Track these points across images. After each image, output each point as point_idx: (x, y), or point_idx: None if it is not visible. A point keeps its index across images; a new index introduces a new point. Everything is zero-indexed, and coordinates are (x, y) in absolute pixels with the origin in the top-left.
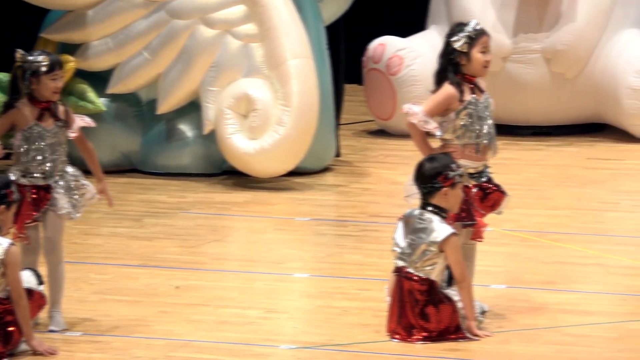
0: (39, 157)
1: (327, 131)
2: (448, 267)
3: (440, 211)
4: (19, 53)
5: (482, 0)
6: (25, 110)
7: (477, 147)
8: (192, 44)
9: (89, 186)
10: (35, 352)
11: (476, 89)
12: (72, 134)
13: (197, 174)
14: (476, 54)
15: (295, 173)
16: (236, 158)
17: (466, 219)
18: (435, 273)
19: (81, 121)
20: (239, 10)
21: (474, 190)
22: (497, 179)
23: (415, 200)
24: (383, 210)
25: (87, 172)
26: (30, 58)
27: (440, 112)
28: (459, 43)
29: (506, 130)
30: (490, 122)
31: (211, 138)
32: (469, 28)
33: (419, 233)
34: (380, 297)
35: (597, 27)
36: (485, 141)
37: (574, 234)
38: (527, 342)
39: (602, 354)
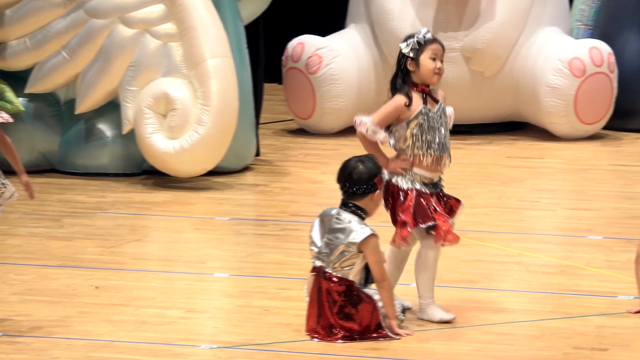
0: None
1: (246, 130)
2: (366, 267)
3: (361, 212)
4: None
5: None
6: None
7: (428, 158)
8: (111, 44)
9: (8, 185)
10: None
11: (429, 98)
12: None
13: (117, 174)
14: (425, 59)
15: (215, 172)
16: (156, 158)
17: (427, 219)
18: (353, 273)
19: None
20: (157, 9)
21: (432, 197)
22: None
23: None
24: (303, 209)
25: (8, 172)
26: None
27: (391, 122)
28: (407, 48)
29: None
30: (443, 132)
31: (130, 138)
32: (419, 35)
33: (337, 233)
34: (300, 297)
35: (515, 26)
36: (436, 152)
37: (494, 233)
38: (448, 340)
39: (523, 352)
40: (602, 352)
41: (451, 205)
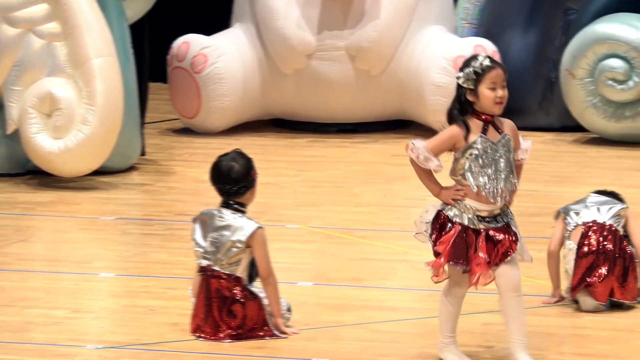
0: None
1: (132, 130)
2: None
3: (242, 207)
4: None
5: None
6: None
7: (482, 190)
8: None
9: None
10: None
11: (491, 127)
12: None
13: (1, 174)
14: (484, 90)
15: (100, 172)
16: (40, 158)
17: (460, 261)
18: (241, 269)
19: None
20: (41, 8)
21: (480, 235)
22: (304, 175)
23: (424, 239)
24: (189, 208)
25: None
26: None
27: (446, 150)
28: (462, 80)
29: (311, 127)
30: (502, 165)
31: (15, 138)
32: (476, 63)
33: (222, 231)
34: (186, 296)
35: (400, 24)
36: (491, 185)
37: (380, 231)
38: (334, 339)
39: (408, 350)
40: (487, 350)
41: (506, 249)
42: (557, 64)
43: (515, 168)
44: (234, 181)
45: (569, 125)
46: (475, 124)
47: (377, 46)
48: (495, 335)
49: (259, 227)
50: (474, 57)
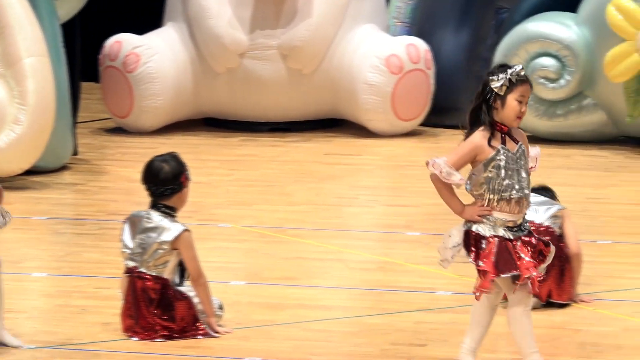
0: None
1: (64, 129)
2: (180, 264)
3: (171, 211)
4: None
5: None
6: None
7: (509, 202)
8: None
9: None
10: None
11: (508, 138)
12: None
13: None
14: (511, 100)
15: (32, 172)
16: None
17: (511, 269)
18: (168, 271)
19: None
20: None
21: (518, 243)
22: (236, 175)
23: (448, 265)
24: (121, 208)
25: None
26: None
27: (467, 163)
28: (497, 84)
29: (244, 126)
30: (523, 175)
31: None
32: (513, 72)
33: (149, 232)
34: (119, 296)
35: (333, 23)
36: (517, 195)
37: (313, 230)
38: (267, 338)
39: (341, 349)
40: (420, 348)
41: (540, 250)
42: (489, 63)
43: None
44: (160, 182)
45: None
46: (497, 135)
47: (310, 45)
48: (427, 333)
49: (185, 230)
50: (509, 65)
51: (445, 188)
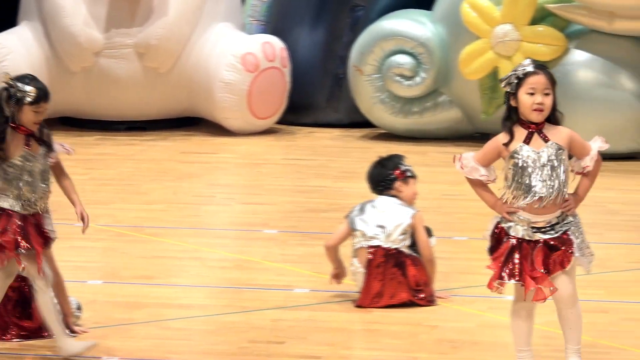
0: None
1: None
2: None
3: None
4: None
5: None
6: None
7: (526, 201)
8: None
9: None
10: None
11: (536, 136)
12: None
13: None
14: (522, 95)
15: None
16: None
17: (512, 276)
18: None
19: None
20: None
21: (536, 247)
22: (93, 174)
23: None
24: None
25: None
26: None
27: (493, 159)
28: (504, 83)
29: (100, 125)
30: (547, 172)
31: None
32: (519, 68)
33: None
34: None
35: (188, 22)
36: (537, 193)
37: (170, 228)
38: (126, 337)
39: (199, 347)
40: (278, 345)
41: (562, 259)
42: (345, 61)
43: (579, 177)
44: None
45: (358, 121)
46: (521, 132)
47: (165, 43)
48: (285, 330)
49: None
50: (521, 63)
51: (474, 182)
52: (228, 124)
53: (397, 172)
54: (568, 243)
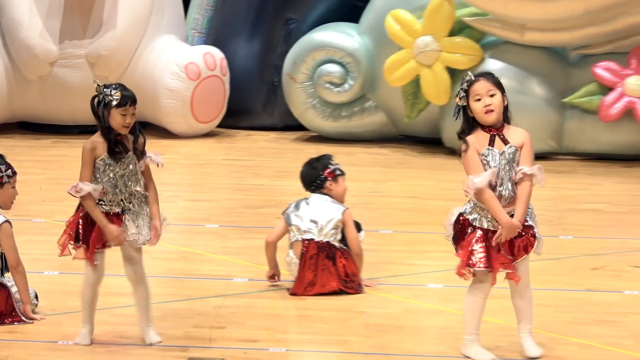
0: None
1: None
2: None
3: None
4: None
5: (29, 10)
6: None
7: (498, 196)
8: None
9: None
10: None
11: (498, 139)
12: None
13: None
14: (473, 103)
15: None
16: None
17: (480, 263)
18: None
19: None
20: None
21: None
22: (49, 173)
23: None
24: None
25: None
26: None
27: (478, 168)
28: (457, 98)
29: (55, 129)
30: (507, 172)
31: None
32: (464, 82)
33: None
34: None
35: (135, 34)
36: (501, 192)
37: None
38: (80, 323)
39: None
40: (219, 330)
41: (526, 244)
42: (280, 69)
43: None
44: None
45: (291, 125)
46: (482, 137)
47: (115, 54)
48: (226, 316)
49: (5, 221)
50: (464, 78)
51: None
52: (173, 128)
53: (327, 171)
54: (529, 228)
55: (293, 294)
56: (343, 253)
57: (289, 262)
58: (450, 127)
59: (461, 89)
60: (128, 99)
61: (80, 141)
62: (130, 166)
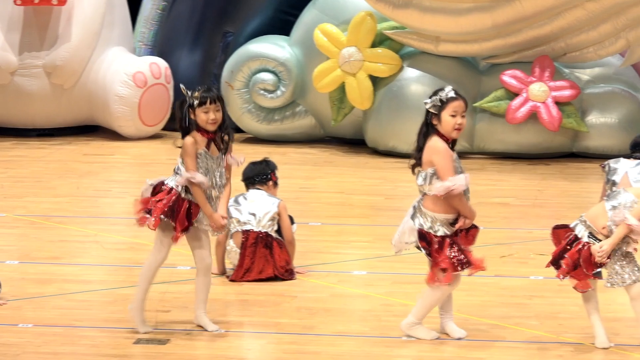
0: None
1: None
2: None
3: None
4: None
5: None
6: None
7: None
8: None
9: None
10: None
11: (450, 146)
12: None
13: None
14: (446, 116)
15: None
16: None
17: (465, 264)
18: None
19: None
20: None
21: (458, 236)
22: (10, 172)
23: (400, 253)
24: None
25: None
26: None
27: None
28: (429, 105)
29: (15, 132)
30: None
31: None
32: (443, 93)
33: None
34: None
35: (88, 46)
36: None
37: (74, 217)
38: (38, 307)
39: (99, 315)
40: (165, 314)
41: (474, 235)
42: (219, 78)
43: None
44: None
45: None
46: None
47: (69, 64)
48: (171, 301)
49: None
50: (442, 89)
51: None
52: (122, 131)
53: (274, 175)
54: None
55: (233, 280)
56: (279, 243)
57: (229, 251)
58: (373, 129)
59: (439, 98)
60: (207, 98)
61: (38, 143)
62: (219, 161)
